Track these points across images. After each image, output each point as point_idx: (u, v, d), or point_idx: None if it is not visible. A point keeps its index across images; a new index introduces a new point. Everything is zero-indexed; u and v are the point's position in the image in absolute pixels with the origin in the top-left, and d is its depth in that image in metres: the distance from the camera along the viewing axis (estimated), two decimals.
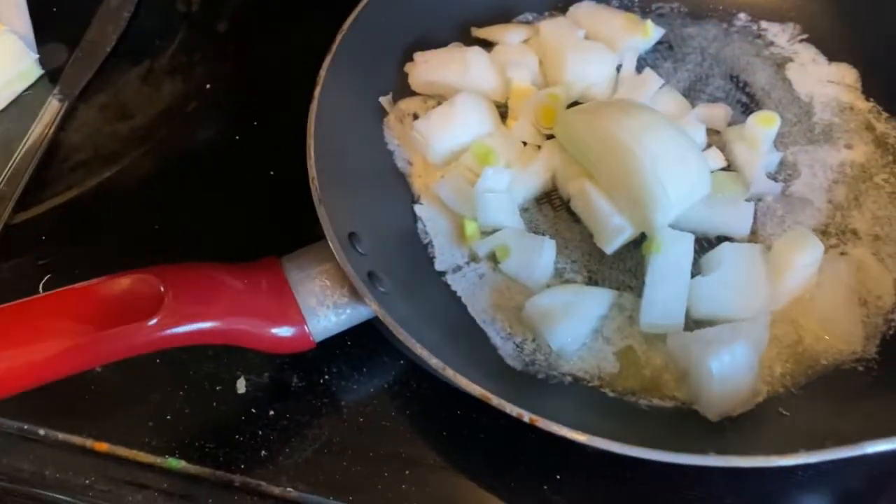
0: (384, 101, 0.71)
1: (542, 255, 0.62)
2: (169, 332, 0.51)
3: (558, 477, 0.56)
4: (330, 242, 0.56)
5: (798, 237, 0.61)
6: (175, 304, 0.52)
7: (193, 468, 0.58)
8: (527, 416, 0.49)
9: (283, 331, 0.55)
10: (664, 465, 0.47)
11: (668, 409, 0.57)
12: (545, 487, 0.56)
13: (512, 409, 0.49)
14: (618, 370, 0.59)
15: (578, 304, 0.60)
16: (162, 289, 0.52)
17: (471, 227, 0.65)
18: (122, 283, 0.52)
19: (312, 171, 0.60)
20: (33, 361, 0.49)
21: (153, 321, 0.51)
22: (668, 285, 0.59)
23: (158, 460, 0.58)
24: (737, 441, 0.54)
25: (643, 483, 0.56)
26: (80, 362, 0.50)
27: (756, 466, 0.46)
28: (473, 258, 0.65)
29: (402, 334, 0.52)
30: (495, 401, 0.49)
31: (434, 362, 0.51)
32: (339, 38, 0.68)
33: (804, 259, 0.59)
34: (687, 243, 0.60)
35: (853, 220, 0.64)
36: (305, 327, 0.56)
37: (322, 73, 0.65)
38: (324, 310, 0.56)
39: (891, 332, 0.58)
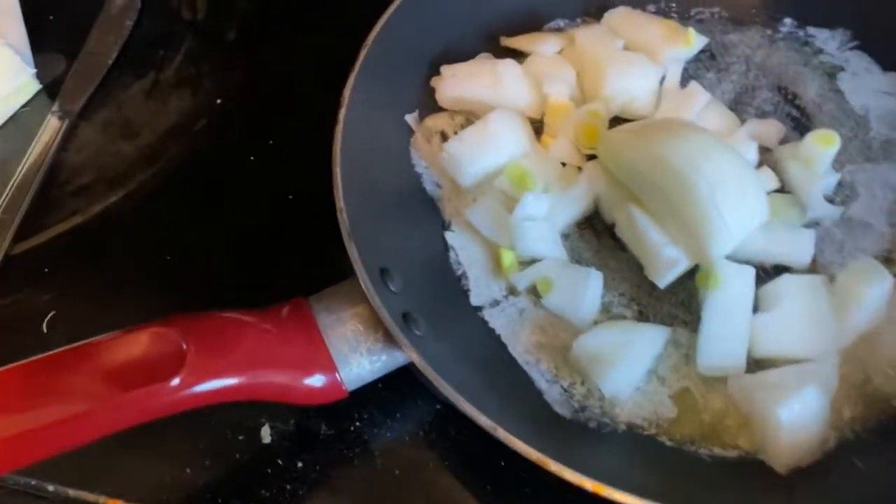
0: (410, 118, 0.67)
1: (588, 288, 0.58)
2: (193, 391, 0.47)
3: None
4: (362, 283, 0.51)
5: (864, 268, 0.56)
6: (198, 360, 0.47)
7: None
8: (590, 484, 0.44)
9: (314, 381, 0.51)
10: None
11: (731, 459, 0.53)
12: None
13: (573, 477, 0.45)
14: (675, 415, 0.55)
15: (631, 344, 0.55)
16: (184, 344, 0.47)
17: (508, 258, 0.60)
18: (141, 337, 0.47)
19: (340, 202, 0.55)
20: (47, 427, 0.45)
21: (176, 380, 0.46)
22: (727, 323, 0.55)
23: None
24: (808, 497, 0.49)
25: None
26: (99, 428, 0.46)
27: None
28: (512, 291, 0.60)
29: (447, 390, 0.48)
30: (553, 466, 0.45)
31: (483, 422, 0.47)
32: (363, 53, 0.63)
33: (872, 293, 0.55)
34: (748, 277, 0.56)
35: None
36: (337, 376, 0.51)
37: (346, 92, 0.60)
38: (357, 357, 0.52)
39: None
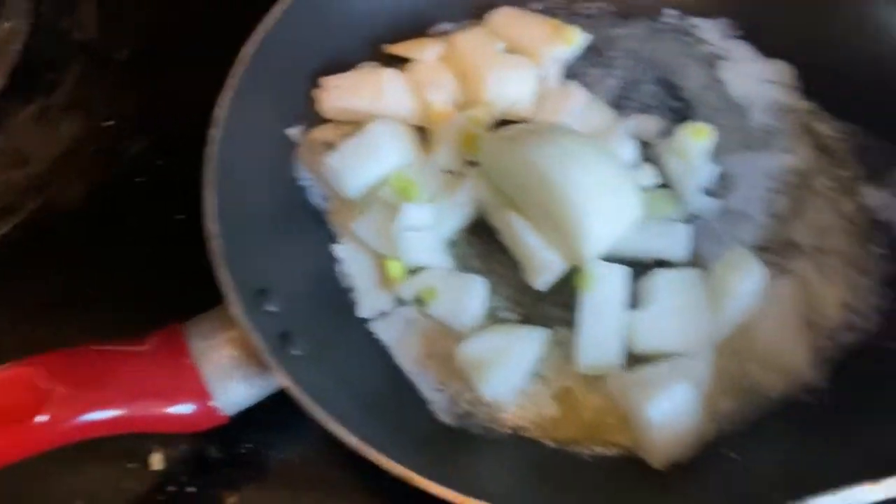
0: (293, 132, 0.66)
1: (472, 295, 0.58)
2: (67, 425, 0.47)
3: None
4: (233, 310, 0.51)
5: (738, 260, 0.57)
6: (69, 396, 0.47)
7: None
8: (458, 499, 0.45)
9: (187, 409, 0.51)
10: None
11: (612, 458, 0.54)
12: None
13: (440, 490, 0.45)
14: (558, 415, 0.56)
15: (511, 348, 0.56)
16: (47, 382, 0.47)
17: (395, 269, 0.60)
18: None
19: (210, 226, 0.55)
20: None
21: (44, 417, 0.46)
22: (602, 322, 0.56)
23: None
24: (684, 491, 0.51)
25: None
26: None
27: None
28: (400, 302, 0.60)
29: (316, 411, 0.48)
30: (420, 482, 0.46)
31: (352, 440, 0.47)
32: (237, 70, 0.62)
33: (745, 284, 0.56)
34: (621, 277, 0.57)
35: (794, 232, 0.61)
36: (211, 403, 0.51)
37: (219, 110, 0.60)
38: (233, 383, 0.52)
39: (840, 357, 0.55)
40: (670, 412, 0.51)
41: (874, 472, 0.44)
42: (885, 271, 0.58)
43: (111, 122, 0.75)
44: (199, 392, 0.51)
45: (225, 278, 0.52)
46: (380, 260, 0.62)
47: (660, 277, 0.57)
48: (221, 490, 0.56)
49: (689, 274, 0.58)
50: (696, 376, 0.53)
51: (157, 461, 0.57)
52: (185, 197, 0.68)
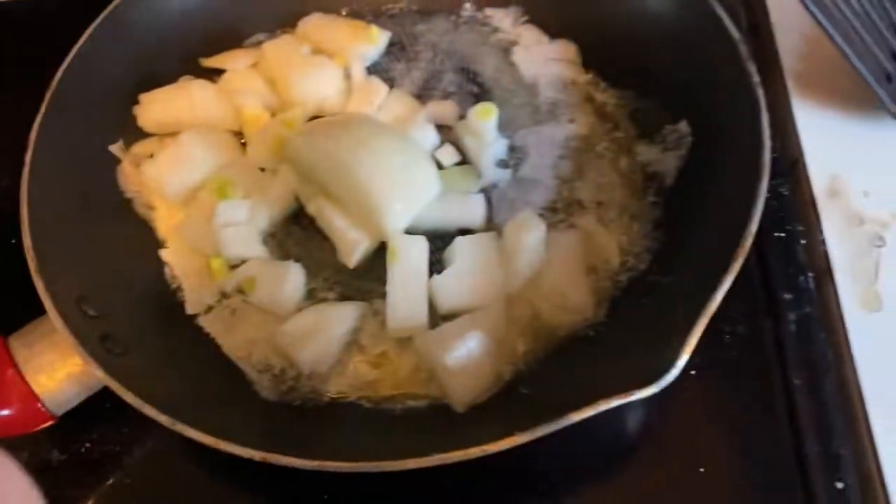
0: (115, 148, 0.70)
1: (289, 280, 0.63)
2: None
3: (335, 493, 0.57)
4: (49, 312, 0.55)
5: (523, 219, 0.64)
6: None
7: None
8: (258, 456, 0.50)
9: (14, 411, 0.54)
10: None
11: (421, 408, 0.59)
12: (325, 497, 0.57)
13: (241, 452, 0.50)
14: (375, 377, 0.61)
15: (324, 323, 0.61)
16: None
17: (217, 263, 0.64)
18: None
19: (27, 240, 0.58)
20: None
21: None
22: (408, 289, 0.61)
23: None
24: (481, 428, 0.56)
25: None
26: None
27: (471, 458, 0.48)
28: (224, 295, 0.65)
29: (128, 396, 0.52)
30: (224, 445, 0.50)
31: (163, 419, 0.51)
32: (48, 94, 0.65)
33: (530, 239, 0.62)
34: (421, 246, 0.62)
35: (578, 192, 0.68)
36: (39, 405, 0.54)
37: (33, 134, 0.63)
38: (57, 384, 0.55)
39: (618, 294, 0.62)
40: (466, 359, 0.57)
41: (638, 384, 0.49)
42: (655, 216, 0.65)
43: None
44: (24, 395, 0.54)
45: (40, 286, 0.56)
46: (204, 258, 0.66)
47: (458, 243, 0.63)
48: (65, 489, 0.59)
49: (484, 237, 0.64)
50: (490, 325, 0.59)
51: None
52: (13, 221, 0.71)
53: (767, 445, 0.57)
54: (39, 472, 0.58)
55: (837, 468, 0.55)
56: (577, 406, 0.49)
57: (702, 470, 0.56)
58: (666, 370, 0.49)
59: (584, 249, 0.64)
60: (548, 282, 0.62)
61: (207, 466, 0.60)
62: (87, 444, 0.61)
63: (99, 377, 0.53)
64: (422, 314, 0.61)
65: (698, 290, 0.53)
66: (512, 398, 0.58)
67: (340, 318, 0.61)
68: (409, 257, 0.62)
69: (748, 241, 0.53)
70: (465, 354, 0.57)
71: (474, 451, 0.48)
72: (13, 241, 0.69)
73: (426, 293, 0.61)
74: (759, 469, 0.56)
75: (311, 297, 0.65)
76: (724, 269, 0.52)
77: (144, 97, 0.71)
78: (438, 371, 0.58)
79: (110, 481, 0.59)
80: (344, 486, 0.57)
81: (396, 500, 0.58)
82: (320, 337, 0.60)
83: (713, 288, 0.52)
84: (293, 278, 0.63)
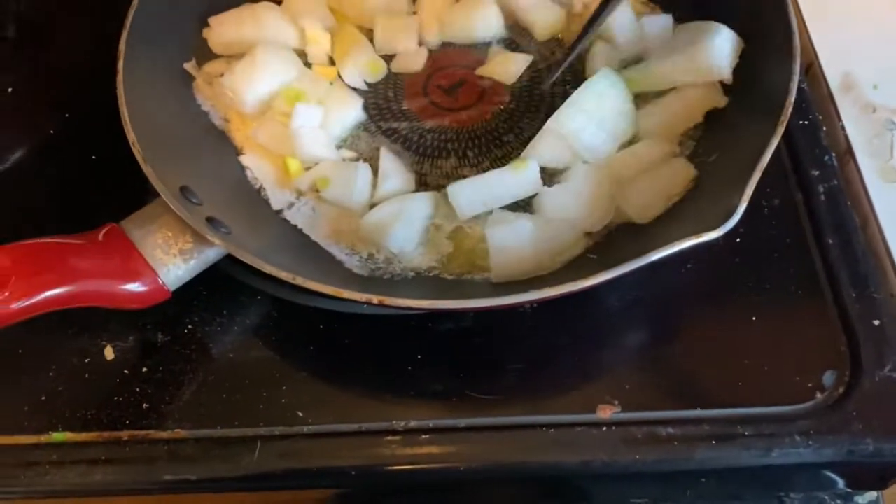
0: (189, 66, 0.75)
1: (358, 179, 0.68)
2: (22, 304, 0.54)
3: (419, 357, 0.63)
4: (161, 194, 0.59)
5: None
6: (23, 277, 0.54)
7: (79, 436, 0.60)
8: (375, 299, 0.55)
9: (136, 286, 0.58)
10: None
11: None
12: (409, 368, 0.62)
13: (360, 297, 0.55)
14: (451, 250, 0.66)
15: (406, 210, 0.66)
16: (7, 265, 0.54)
17: (294, 165, 0.70)
18: None
19: (131, 134, 0.63)
20: None
21: (5, 294, 0.53)
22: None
23: (42, 438, 0.60)
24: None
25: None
26: None
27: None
28: (300, 193, 0.70)
29: (248, 258, 0.57)
30: (346, 293, 0.55)
31: (284, 275, 0.56)
32: (131, 13, 0.70)
33: None
34: None
35: None
36: (158, 279, 0.59)
37: (121, 45, 0.68)
38: (171, 258, 0.60)
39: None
40: (509, 241, 0.62)
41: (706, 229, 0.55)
42: None
43: (10, 90, 0.81)
44: (145, 270, 0.59)
45: (149, 171, 0.61)
46: (280, 161, 0.71)
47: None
48: (170, 365, 0.63)
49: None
50: (543, 213, 0.66)
51: (109, 353, 0.64)
52: (95, 140, 0.76)
53: (810, 294, 0.64)
54: (146, 352, 0.64)
55: (872, 309, 0.63)
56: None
57: (754, 319, 0.63)
58: (729, 216, 0.55)
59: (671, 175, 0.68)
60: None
61: (304, 334, 0.65)
62: (189, 327, 0.65)
63: (218, 247, 0.58)
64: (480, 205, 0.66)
65: (747, 157, 0.59)
66: (581, 261, 0.64)
67: (419, 204, 0.67)
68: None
69: (791, 98, 0.60)
70: (510, 234, 0.63)
71: (568, 287, 0.55)
72: (94, 158, 0.75)
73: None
74: (804, 314, 0.63)
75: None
76: (775, 125, 0.59)
77: (213, 20, 0.76)
78: (488, 245, 0.63)
79: (213, 355, 0.64)
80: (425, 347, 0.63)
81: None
82: (404, 221, 0.65)
83: (763, 148, 0.59)
84: (362, 177, 0.68)
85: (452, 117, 0.74)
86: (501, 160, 0.71)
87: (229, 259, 0.60)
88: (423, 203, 0.67)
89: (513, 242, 0.62)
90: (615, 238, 0.66)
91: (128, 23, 0.70)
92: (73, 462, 0.59)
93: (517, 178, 0.67)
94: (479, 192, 0.66)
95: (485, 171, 0.69)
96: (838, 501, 0.64)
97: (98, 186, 0.74)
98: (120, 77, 0.66)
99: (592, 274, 0.55)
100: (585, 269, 0.62)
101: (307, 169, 0.70)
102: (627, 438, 0.58)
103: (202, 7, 0.77)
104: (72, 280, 0.56)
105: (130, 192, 0.65)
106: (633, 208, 0.65)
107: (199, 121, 0.73)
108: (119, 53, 0.68)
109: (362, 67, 0.76)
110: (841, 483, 0.62)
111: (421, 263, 0.66)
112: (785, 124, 0.60)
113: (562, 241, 0.65)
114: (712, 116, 0.70)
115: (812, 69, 0.77)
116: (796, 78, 0.63)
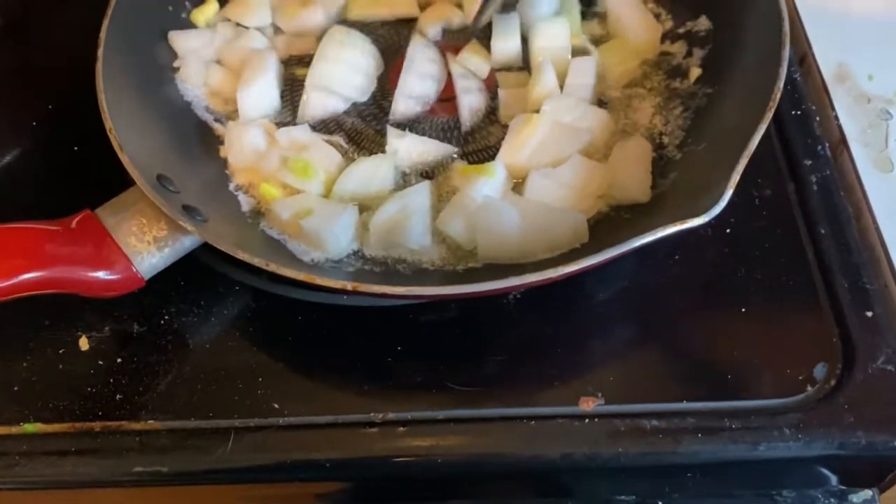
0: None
1: (342, 219, 0.64)
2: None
3: (399, 348, 0.61)
4: (136, 180, 0.58)
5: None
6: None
7: (51, 427, 0.59)
8: (350, 285, 0.54)
9: (109, 273, 0.57)
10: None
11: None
12: (388, 360, 0.61)
13: (334, 283, 0.54)
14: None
15: (411, 203, 0.64)
16: None
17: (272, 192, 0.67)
18: None
19: (108, 122, 0.62)
20: None
21: None
22: None
23: (13, 429, 0.59)
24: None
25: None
26: None
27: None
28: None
29: (222, 245, 0.56)
30: (319, 280, 0.54)
31: (257, 261, 0.55)
32: (112, 2, 0.70)
33: None
34: None
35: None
36: (132, 266, 0.58)
37: (102, 34, 0.67)
38: (146, 246, 0.58)
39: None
40: (493, 226, 0.62)
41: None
42: (683, 99, 0.71)
43: None
44: (118, 257, 0.57)
45: (125, 159, 0.60)
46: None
47: None
48: (145, 356, 0.62)
49: None
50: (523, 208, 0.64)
51: (84, 343, 0.63)
52: (78, 130, 0.75)
53: (801, 284, 0.62)
54: (121, 343, 0.63)
55: (865, 300, 0.61)
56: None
57: (744, 310, 0.62)
58: (715, 203, 0.54)
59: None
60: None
61: (282, 325, 0.63)
62: (166, 317, 0.64)
63: (190, 232, 0.57)
64: None
65: (735, 144, 0.58)
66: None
67: (421, 195, 0.65)
68: None
69: (780, 83, 0.59)
70: (495, 219, 0.62)
71: (548, 273, 0.53)
72: (75, 149, 0.74)
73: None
74: (796, 305, 0.62)
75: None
76: (762, 110, 0.57)
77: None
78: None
79: (189, 346, 0.63)
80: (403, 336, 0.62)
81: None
82: (417, 215, 0.63)
83: (749, 134, 0.57)
84: (346, 219, 0.64)
85: None
86: None
87: (208, 249, 0.59)
88: (421, 193, 0.66)
89: (498, 226, 0.61)
90: (601, 228, 0.65)
91: (109, 11, 0.69)
92: (43, 453, 0.58)
93: None
94: None
95: None
96: (832, 500, 0.61)
97: (80, 176, 0.73)
98: (99, 65, 0.65)
99: (574, 260, 0.54)
100: (569, 256, 0.61)
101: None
102: (610, 431, 0.56)
103: None
104: (44, 265, 0.55)
105: (112, 183, 0.64)
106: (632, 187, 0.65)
107: (182, 111, 0.72)
108: (99, 41, 0.67)
109: None
110: (834, 479, 0.60)
111: (434, 256, 0.64)
112: (774, 109, 0.59)
113: (551, 229, 0.63)
114: (702, 107, 0.69)
115: (806, 60, 0.76)
116: (785, 62, 0.61)
